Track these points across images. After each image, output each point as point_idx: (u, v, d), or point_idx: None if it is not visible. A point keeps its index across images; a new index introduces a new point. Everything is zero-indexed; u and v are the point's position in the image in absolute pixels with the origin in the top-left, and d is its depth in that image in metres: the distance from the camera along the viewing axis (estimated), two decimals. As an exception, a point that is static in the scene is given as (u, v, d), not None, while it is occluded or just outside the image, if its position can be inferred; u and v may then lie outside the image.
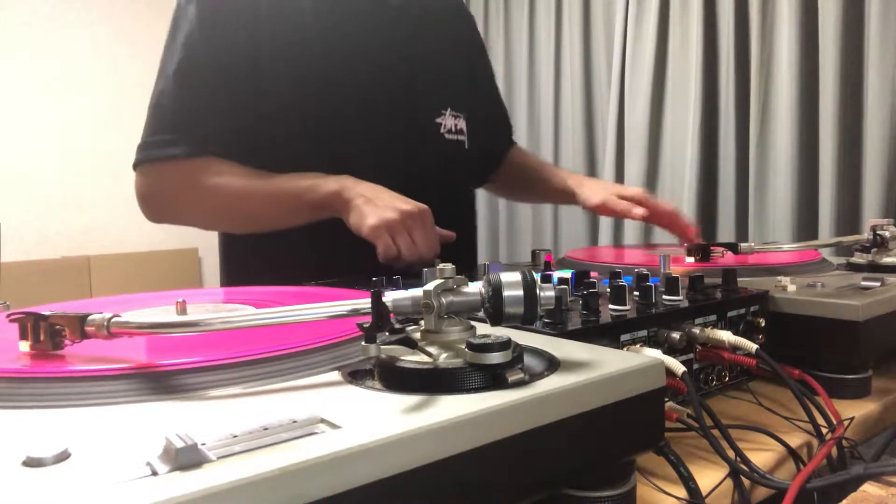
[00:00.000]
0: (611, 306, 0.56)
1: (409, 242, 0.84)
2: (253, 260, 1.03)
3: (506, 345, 0.35)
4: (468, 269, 0.85)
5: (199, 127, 0.91)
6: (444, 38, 1.09)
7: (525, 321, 0.38)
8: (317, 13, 0.95)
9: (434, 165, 1.03)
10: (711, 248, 0.81)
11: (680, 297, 0.59)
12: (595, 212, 1.11)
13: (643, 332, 0.54)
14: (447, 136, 1.05)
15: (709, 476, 0.46)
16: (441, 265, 0.39)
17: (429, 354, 0.37)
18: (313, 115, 0.94)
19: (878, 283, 0.68)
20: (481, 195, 3.10)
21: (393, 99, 0.99)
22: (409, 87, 1.01)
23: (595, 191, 1.09)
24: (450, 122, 1.05)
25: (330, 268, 0.84)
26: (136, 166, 0.95)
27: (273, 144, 0.93)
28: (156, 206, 0.98)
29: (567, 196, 1.15)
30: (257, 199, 0.91)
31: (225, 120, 0.92)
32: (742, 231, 2.19)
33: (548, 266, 0.83)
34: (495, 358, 0.34)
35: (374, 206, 0.84)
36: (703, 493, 0.43)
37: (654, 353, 0.50)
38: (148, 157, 0.93)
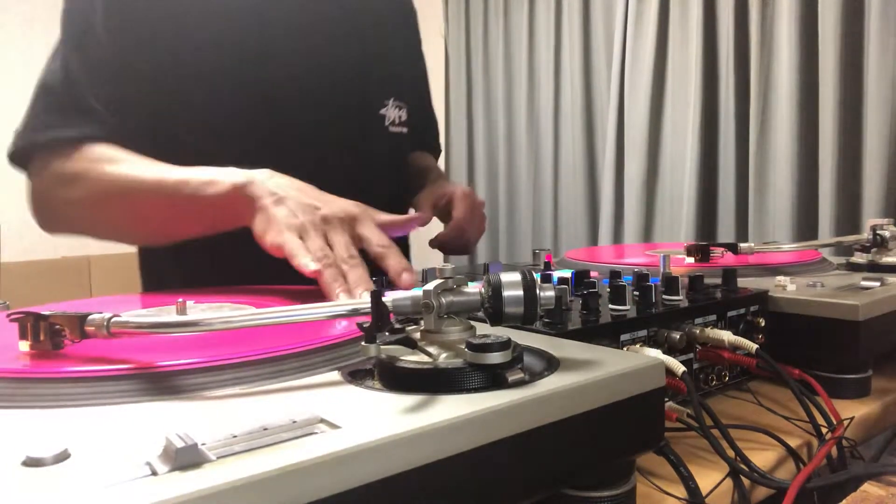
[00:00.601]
0: (611, 306, 0.56)
1: (321, 247, 0.62)
2: (172, 271, 0.89)
3: (506, 345, 0.35)
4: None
5: (96, 110, 0.77)
6: (388, 28, 1.01)
7: (525, 321, 0.38)
8: (247, 8, 0.83)
9: (380, 158, 0.95)
10: (711, 248, 0.81)
11: (680, 297, 0.59)
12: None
13: (643, 332, 0.54)
14: (392, 128, 0.97)
15: (709, 476, 0.46)
16: (441, 265, 0.39)
17: (429, 354, 0.37)
18: (248, 111, 0.81)
19: (877, 283, 0.68)
20: (482, 194, 3.12)
21: (334, 93, 0.89)
22: (350, 79, 0.91)
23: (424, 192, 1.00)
24: (393, 113, 0.97)
25: (260, 277, 0.69)
26: (12, 158, 0.80)
27: (192, 134, 0.79)
28: (41, 207, 0.83)
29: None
30: (143, 192, 0.72)
31: (133, 106, 0.78)
32: (742, 231, 2.19)
33: (548, 266, 0.83)
34: (495, 358, 0.34)
35: (286, 209, 0.64)
36: (703, 493, 0.43)
37: (654, 353, 0.50)
38: (28, 141, 0.78)
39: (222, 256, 0.76)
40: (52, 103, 0.79)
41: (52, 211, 0.83)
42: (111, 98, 0.78)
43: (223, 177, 0.68)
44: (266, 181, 0.66)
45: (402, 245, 0.95)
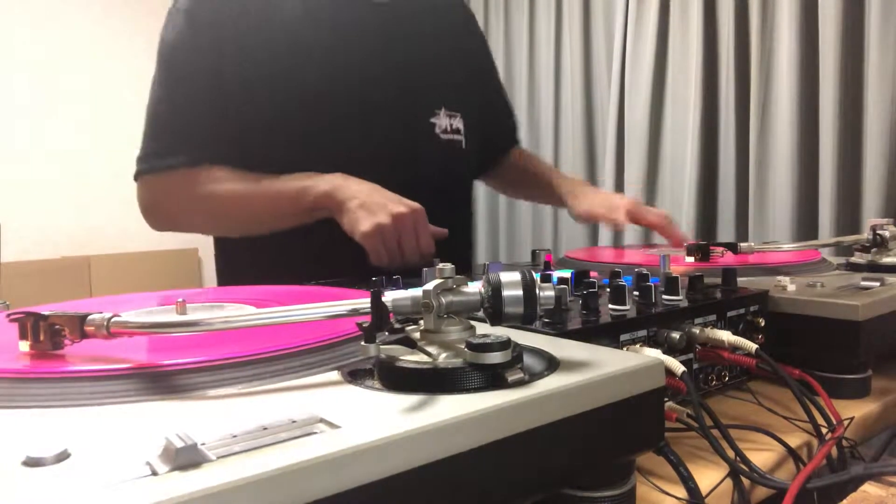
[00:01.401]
0: (611, 306, 0.56)
1: (396, 250, 0.84)
2: (245, 260, 1.03)
3: (505, 344, 0.35)
4: (464, 269, 0.85)
5: (195, 136, 0.92)
6: (438, 37, 1.09)
7: (525, 321, 0.38)
8: (308, 18, 0.95)
9: (430, 165, 1.03)
10: (711, 247, 0.81)
11: (680, 297, 0.59)
12: (578, 220, 1.15)
13: (643, 332, 0.54)
14: (442, 136, 1.05)
15: (709, 476, 0.46)
16: (441, 265, 0.39)
17: (428, 354, 0.37)
18: (306, 120, 0.94)
19: (877, 283, 0.68)
20: (482, 194, 3.12)
21: (386, 100, 0.99)
22: (402, 87, 1.01)
23: (581, 200, 1.12)
24: (444, 121, 1.05)
25: (322, 267, 0.84)
26: (136, 178, 0.97)
27: (268, 150, 0.94)
28: (158, 216, 0.99)
29: (561, 203, 1.19)
30: (253, 204, 0.92)
31: (219, 127, 0.92)
32: (742, 231, 2.19)
33: (548, 266, 0.83)
34: (495, 358, 0.34)
35: (368, 211, 0.84)
36: (703, 493, 0.43)
37: (654, 353, 0.50)
38: (147, 169, 0.95)
39: (288, 246, 0.95)
40: (161, 132, 0.94)
41: (167, 218, 1.00)
42: (208, 124, 0.92)
43: (313, 185, 0.88)
44: (347, 186, 0.86)
45: (466, 228, 1.20)
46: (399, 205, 0.85)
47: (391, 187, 0.89)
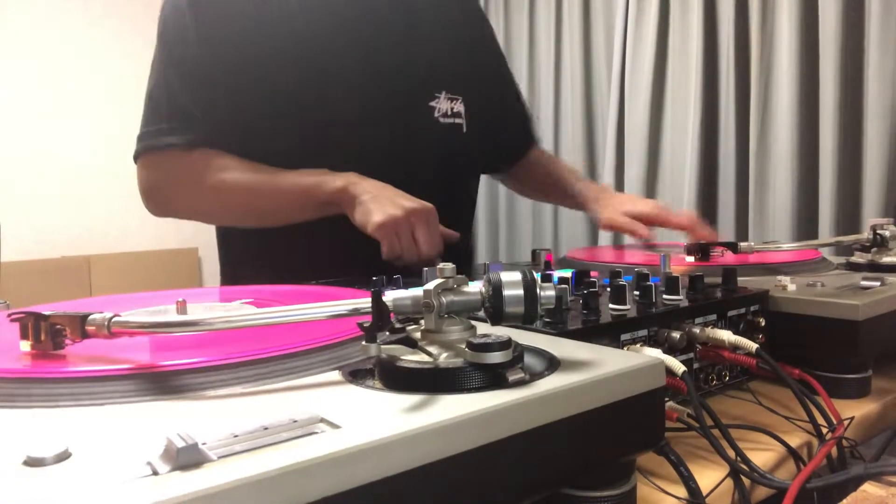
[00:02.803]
0: (611, 306, 0.56)
1: (411, 242, 0.85)
2: (250, 255, 1.03)
3: (506, 344, 0.35)
4: (465, 262, 0.85)
5: (196, 117, 0.91)
6: (441, 21, 1.07)
7: (525, 321, 0.38)
8: (307, 5, 0.94)
9: (428, 149, 1.02)
10: (711, 247, 0.81)
11: (680, 297, 0.59)
12: (602, 229, 1.15)
13: (643, 332, 0.54)
14: (442, 119, 1.03)
15: (709, 476, 0.46)
16: (441, 265, 0.39)
17: (429, 354, 0.37)
18: (305, 103, 0.93)
19: (877, 283, 0.68)
20: (482, 194, 3.12)
21: (385, 83, 0.98)
22: (401, 70, 0.99)
23: (604, 206, 1.11)
24: (445, 105, 1.04)
25: (327, 264, 0.85)
26: (136, 158, 0.95)
27: (267, 134, 0.93)
28: (158, 199, 0.98)
29: (582, 208, 1.19)
30: (264, 196, 0.91)
31: (219, 111, 0.91)
32: (742, 231, 2.19)
33: (548, 266, 0.83)
34: (495, 357, 0.34)
35: (380, 204, 0.85)
36: (704, 493, 0.43)
37: (654, 353, 0.50)
38: (146, 147, 0.93)
39: (294, 242, 0.94)
40: (161, 113, 0.92)
41: (168, 201, 0.98)
42: (207, 106, 0.91)
43: (327, 180, 0.88)
44: (360, 182, 0.87)
45: (467, 217, 1.17)
46: (412, 201, 0.86)
47: (390, 172, 0.89)
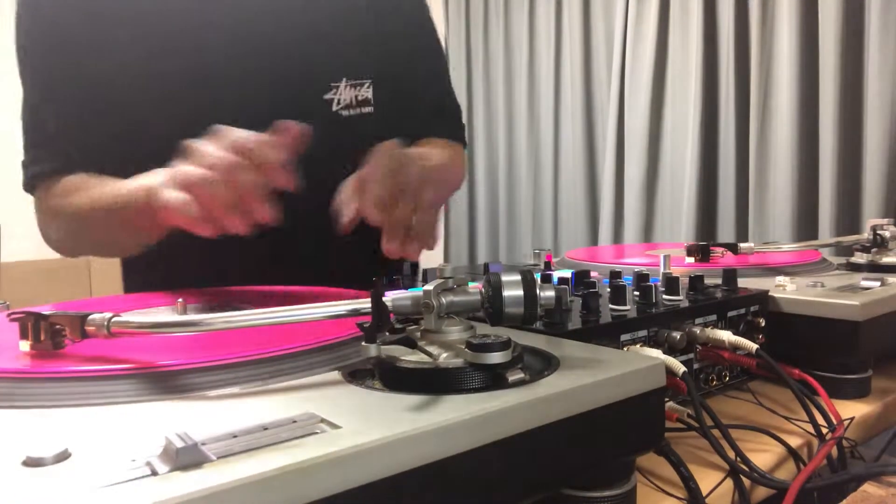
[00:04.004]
0: (611, 306, 0.56)
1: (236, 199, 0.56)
2: (151, 273, 0.89)
3: (506, 345, 0.35)
4: (380, 265, 0.69)
5: (56, 140, 0.81)
6: (345, 4, 0.91)
7: (525, 321, 0.38)
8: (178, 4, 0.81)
9: (329, 148, 0.77)
10: (711, 248, 0.81)
11: (680, 297, 0.59)
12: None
13: (643, 332, 0.54)
14: (343, 112, 0.87)
15: (709, 476, 0.46)
16: (441, 265, 0.39)
17: (429, 354, 0.37)
18: (181, 115, 0.75)
19: (877, 283, 0.68)
20: (482, 194, 3.12)
21: (266, 86, 0.83)
22: (283, 68, 0.85)
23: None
24: (346, 94, 0.87)
25: (236, 274, 0.73)
26: (26, 192, 0.86)
27: (136, 147, 0.76)
28: (43, 234, 0.86)
29: None
30: (99, 214, 0.73)
31: (85, 126, 0.80)
32: (742, 231, 2.19)
33: (548, 266, 0.83)
34: (495, 358, 0.34)
35: (181, 185, 0.58)
36: (704, 493, 0.43)
37: (655, 353, 0.50)
38: (24, 180, 0.85)
39: (195, 254, 0.73)
40: (28, 140, 0.83)
41: (49, 239, 0.87)
42: (69, 124, 0.80)
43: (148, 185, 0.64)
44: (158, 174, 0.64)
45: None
46: (209, 145, 0.58)
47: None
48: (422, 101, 1.00)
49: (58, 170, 0.80)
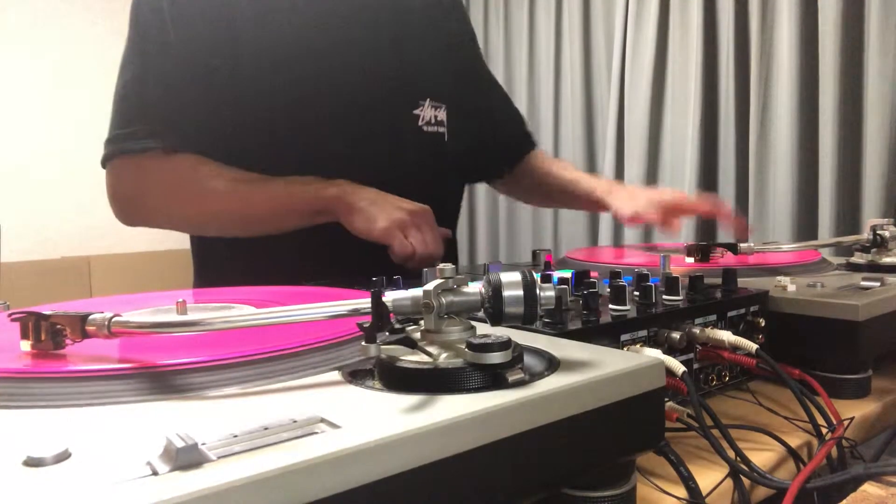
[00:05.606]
0: (611, 306, 0.56)
1: (422, 239, 0.85)
2: (228, 264, 0.99)
3: (506, 345, 0.35)
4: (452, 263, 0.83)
5: (174, 120, 0.86)
6: (423, 27, 1.05)
7: (525, 321, 0.38)
8: (293, 8, 0.91)
9: (412, 158, 0.99)
10: (711, 248, 0.81)
11: (680, 297, 0.59)
12: (627, 224, 1.11)
13: (643, 332, 0.54)
14: (426, 128, 1.01)
15: (709, 476, 0.46)
16: (441, 265, 0.39)
17: (429, 354, 0.37)
18: (290, 112, 0.90)
19: (877, 283, 0.68)
20: (482, 195, 3.12)
21: (369, 92, 0.95)
22: (385, 78, 0.97)
23: (625, 200, 1.04)
24: (429, 113, 1.01)
25: (309, 270, 0.81)
26: (105, 162, 0.90)
27: (247, 139, 0.89)
28: (132, 206, 0.92)
29: (594, 205, 1.13)
30: (253, 203, 0.88)
31: (199, 114, 0.87)
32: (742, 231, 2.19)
33: (548, 266, 0.83)
34: (495, 358, 0.34)
35: (381, 209, 0.84)
36: (704, 493, 0.43)
37: (654, 353, 0.50)
38: (122, 150, 0.87)
39: (275, 249, 0.91)
40: (135, 115, 0.88)
41: (144, 208, 0.93)
42: (186, 109, 0.87)
43: (320, 188, 0.86)
44: (356, 191, 0.86)
45: (451, 223, 1.13)
46: (410, 203, 0.86)
47: (373, 179, 0.88)
48: (498, 125, 1.22)
49: (173, 146, 0.86)
